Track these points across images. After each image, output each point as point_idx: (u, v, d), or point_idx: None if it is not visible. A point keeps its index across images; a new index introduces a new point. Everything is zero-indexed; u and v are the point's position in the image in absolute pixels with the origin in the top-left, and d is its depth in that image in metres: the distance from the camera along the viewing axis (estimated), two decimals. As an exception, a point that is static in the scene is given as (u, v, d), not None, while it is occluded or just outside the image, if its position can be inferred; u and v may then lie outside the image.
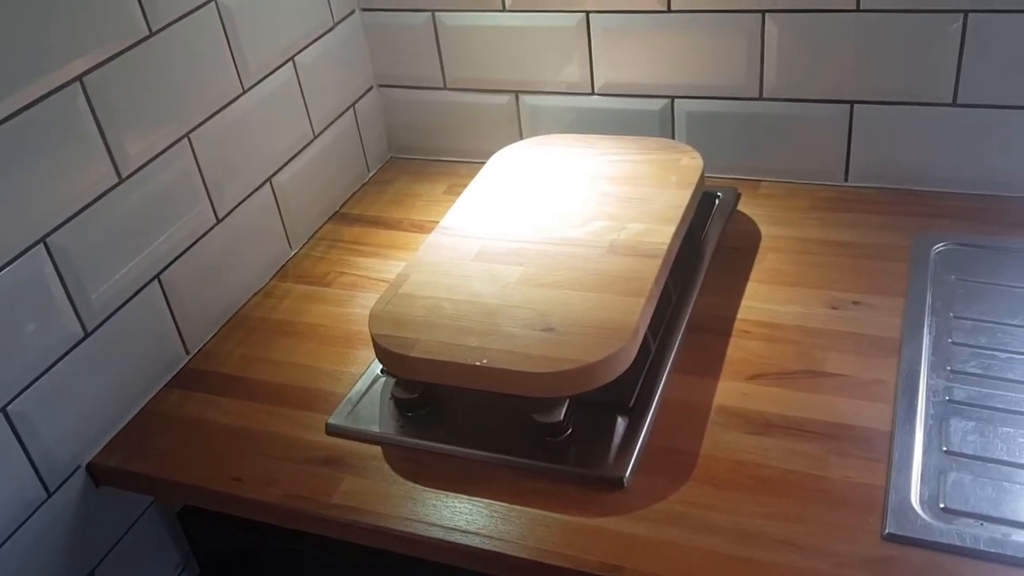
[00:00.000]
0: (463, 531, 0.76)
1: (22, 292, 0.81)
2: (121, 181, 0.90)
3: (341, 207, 1.25)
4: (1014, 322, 0.91)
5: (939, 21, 1.02)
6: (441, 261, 0.95)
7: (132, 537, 0.96)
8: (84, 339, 0.88)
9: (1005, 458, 0.78)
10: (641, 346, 0.84)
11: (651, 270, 0.89)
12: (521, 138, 1.25)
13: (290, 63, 1.12)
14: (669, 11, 1.11)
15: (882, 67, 1.07)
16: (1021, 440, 0.79)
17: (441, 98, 1.28)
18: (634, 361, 0.83)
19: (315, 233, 1.20)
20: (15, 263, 0.80)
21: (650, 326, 0.87)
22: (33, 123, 0.80)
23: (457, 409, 0.88)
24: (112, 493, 0.91)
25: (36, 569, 0.86)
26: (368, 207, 1.25)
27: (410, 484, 0.82)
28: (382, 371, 0.93)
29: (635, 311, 0.84)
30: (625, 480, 0.78)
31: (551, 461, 0.81)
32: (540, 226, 0.98)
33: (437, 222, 1.04)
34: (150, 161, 0.93)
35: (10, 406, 0.81)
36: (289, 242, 1.16)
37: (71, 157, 0.84)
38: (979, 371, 0.86)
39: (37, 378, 0.83)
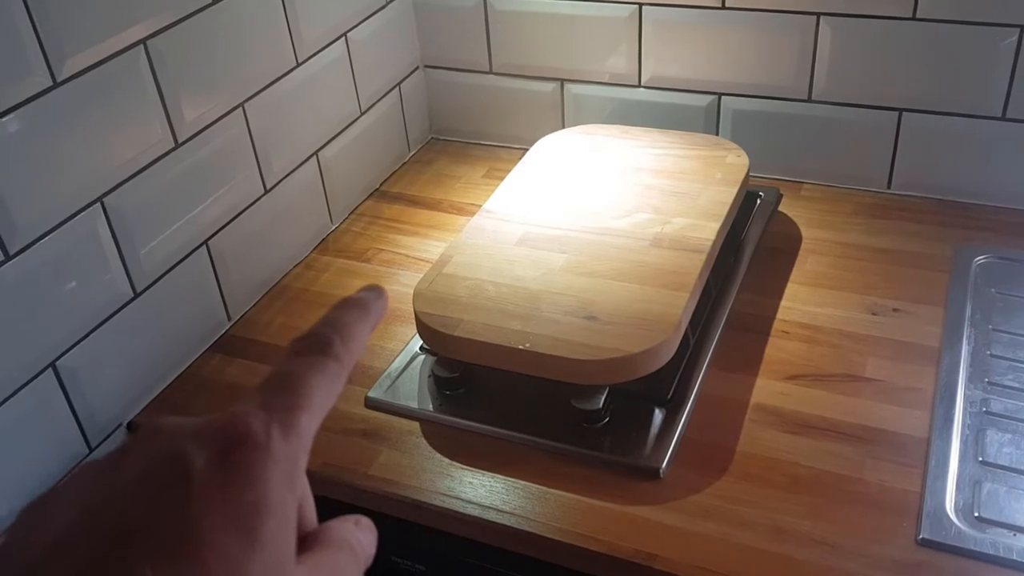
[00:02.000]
0: (499, 510, 0.77)
1: (77, 250, 0.82)
2: (177, 146, 0.91)
3: (381, 185, 1.26)
4: (1053, 338, 0.91)
5: (994, 34, 1.02)
6: (484, 244, 0.95)
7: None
8: (133, 300, 0.89)
9: (1040, 472, 0.78)
10: (681, 340, 0.85)
11: (695, 265, 0.90)
12: (563, 127, 1.26)
13: (342, 39, 1.13)
14: (723, 8, 1.11)
15: (933, 77, 1.07)
16: (1057, 455, 0.80)
17: (486, 82, 1.29)
18: (674, 354, 0.83)
19: (356, 209, 1.21)
20: (73, 220, 0.81)
21: (690, 321, 0.88)
22: (97, 84, 0.81)
23: (495, 390, 0.89)
24: (149, 453, 0.93)
25: (73, 522, 0.87)
26: (408, 186, 1.26)
27: (447, 460, 0.83)
28: (422, 348, 0.94)
29: (678, 305, 0.85)
30: (661, 471, 0.79)
31: (588, 447, 0.82)
32: (583, 215, 0.99)
33: (476, 204, 1.04)
34: (206, 128, 0.94)
35: (59, 360, 0.82)
36: (331, 216, 1.17)
37: (132, 119, 0.85)
38: (1017, 384, 0.87)
39: (87, 335, 0.85)
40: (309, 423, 0.28)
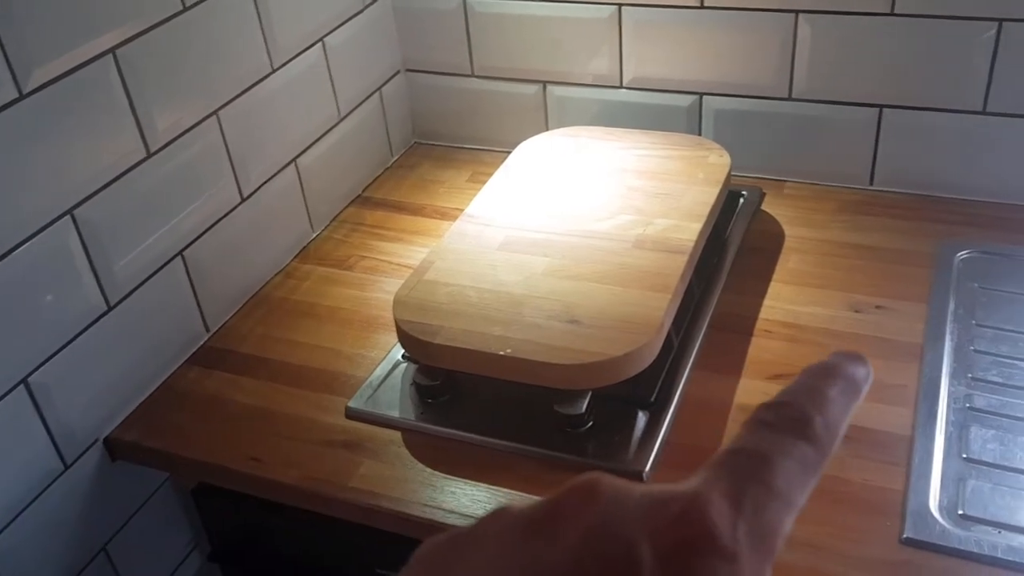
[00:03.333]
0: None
1: (48, 263, 0.81)
2: (149, 155, 0.90)
3: (364, 191, 1.25)
4: (1037, 332, 0.91)
5: (973, 28, 1.01)
6: (466, 249, 0.95)
7: (145, 513, 0.96)
8: (107, 313, 0.88)
9: (1025, 468, 0.78)
10: (664, 342, 0.84)
11: (677, 266, 0.89)
12: (547, 129, 1.25)
13: (319, 44, 1.12)
14: (702, 7, 1.11)
15: (913, 72, 1.06)
16: (1042, 451, 0.79)
17: (468, 85, 1.28)
18: (656, 356, 0.83)
19: (337, 216, 1.20)
20: (42, 234, 0.80)
21: (673, 322, 0.87)
22: (65, 94, 0.80)
23: (478, 397, 0.88)
24: (128, 468, 0.92)
25: (50, 541, 0.86)
26: (391, 192, 1.25)
27: (429, 470, 0.82)
28: (403, 356, 0.93)
29: (660, 307, 0.84)
30: (645, 474, 0.79)
31: (571, 452, 0.81)
32: (566, 218, 0.98)
33: (460, 209, 1.03)
34: (179, 136, 0.93)
35: (31, 377, 0.81)
36: (311, 224, 1.16)
37: (101, 130, 0.84)
38: (1000, 380, 0.86)
39: (59, 350, 0.83)
40: (784, 524, 0.22)
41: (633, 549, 0.21)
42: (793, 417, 0.24)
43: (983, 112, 1.06)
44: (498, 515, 0.23)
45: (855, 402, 0.26)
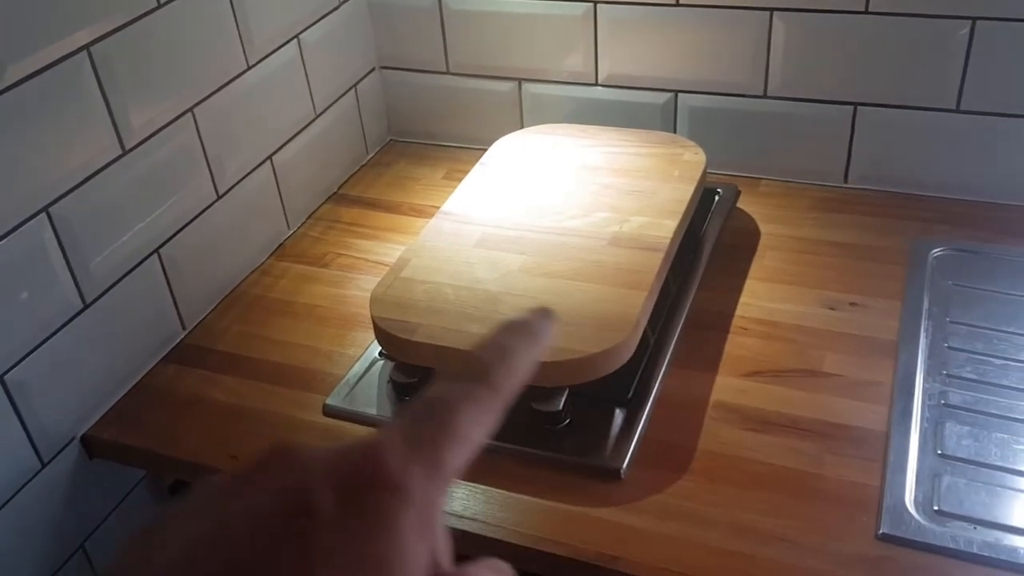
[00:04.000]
0: (460, 516, 0.76)
1: (23, 262, 0.80)
2: (125, 153, 0.89)
3: (339, 188, 1.25)
4: (1009, 329, 0.92)
5: (947, 27, 1.02)
6: (442, 246, 0.94)
7: (123, 511, 0.95)
8: (83, 311, 0.87)
9: (999, 463, 0.79)
10: (640, 339, 0.84)
11: (653, 264, 0.89)
12: (522, 126, 1.25)
13: (295, 41, 1.12)
14: (678, 5, 1.11)
15: (887, 70, 1.07)
16: (1015, 446, 0.80)
17: (443, 83, 1.28)
18: (633, 354, 0.83)
19: (313, 213, 1.20)
20: (17, 232, 0.79)
21: (649, 320, 0.88)
22: (38, 92, 0.79)
23: (455, 395, 0.88)
24: (105, 466, 0.91)
25: (27, 540, 0.85)
26: (367, 189, 1.25)
27: (407, 468, 0.82)
28: (381, 354, 0.93)
29: (636, 304, 0.84)
30: (622, 471, 0.79)
31: (549, 450, 0.81)
32: (542, 215, 0.98)
33: (436, 207, 1.03)
34: (154, 134, 0.92)
35: (7, 375, 0.80)
36: (287, 221, 1.15)
37: (76, 127, 0.84)
38: (974, 376, 0.87)
39: (35, 348, 0.83)
40: (455, 459, 0.25)
41: (313, 494, 0.22)
42: (475, 368, 0.27)
43: (957, 110, 1.07)
44: (197, 485, 0.25)
45: (534, 348, 0.29)
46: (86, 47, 0.83)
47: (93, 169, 0.86)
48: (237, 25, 1.01)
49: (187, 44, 0.95)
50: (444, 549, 0.26)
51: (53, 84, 0.80)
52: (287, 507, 0.23)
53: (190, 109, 0.97)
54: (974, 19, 1.01)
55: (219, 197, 1.03)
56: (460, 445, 0.25)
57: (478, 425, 0.26)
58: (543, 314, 0.31)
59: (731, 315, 0.96)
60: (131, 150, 0.90)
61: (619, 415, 0.84)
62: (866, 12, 1.04)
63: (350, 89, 1.25)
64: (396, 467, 0.23)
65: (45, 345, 0.83)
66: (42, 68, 0.79)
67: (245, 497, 0.23)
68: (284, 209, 1.14)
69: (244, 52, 1.03)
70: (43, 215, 0.81)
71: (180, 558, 0.23)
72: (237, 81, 1.03)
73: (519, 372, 0.28)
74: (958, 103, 1.06)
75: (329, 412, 0.88)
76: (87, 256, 0.86)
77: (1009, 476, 0.78)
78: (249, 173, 1.07)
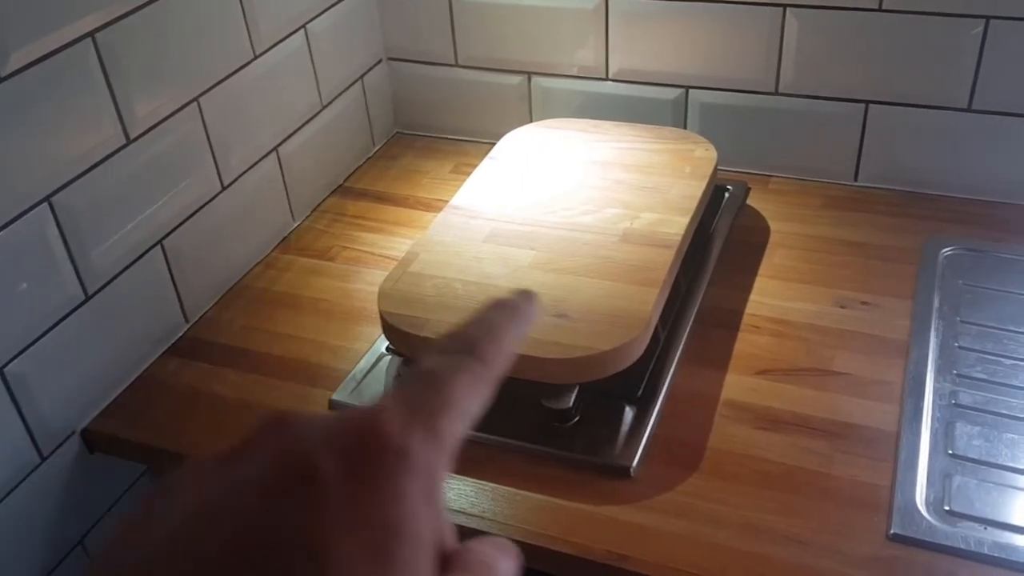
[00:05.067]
0: (468, 514, 0.76)
1: (24, 252, 0.79)
2: (129, 142, 0.88)
3: (345, 181, 1.24)
4: (1020, 329, 0.91)
5: (960, 25, 1.02)
6: (451, 241, 0.93)
7: (123, 506, 0.94)
8: (84, 302, 0.86)
9: (1009, 464, 0.78)
10: (651, 336, 0.83)
11: (664, 260, 0.88)
12: (531, 120, 1.24)
13: (302, 31, 1.10)
14: (690, 0, 1.10)
15: (899, 68, 1.06)
16: (1026, 447, 0.79)
17: (451, 75, 1.27)
18: (643, 351, 0.82)
19: (319, 206, 1.18)
20: (19, 221, 0.78)
21: (660, 317, 0.87)
22: (42, 79, 0.78)
23: (463, 391, 0.87)
24: (105, 460, 0.90)
25: (26, 535, 0.84)
26: (373, 182, 1.23)
27: (414, 464, 0.81)
28: (388, 349, 0.92)
29: (648, 301, 0.83)
30: (632, 469, 0.78)
31: (558, 447, 0.80)
32: (552, 211, 0.97)
33: (443, 200, 1.02)
34: (159, 123, 0.91)
35: (7, 367, 0.79)
36: (292, 214, 1.14)
37: (80, 116, 0.82)
38: (985, 376, 0.87)
39: (36, 340, 0.81)
40: (453, 427, 0.25)
41: (312, 456, 0.22)
42: (465, 341, 0.28)
43: (969, 110, 1.06)
44: (192, 462, 0.25)
45: (519, 329, 0.30)
46: (91, 34, 0.82)
47: (96, 158, 0.85)
48: (244, 14, 1.00)
49: (193, 32, 0.94)
50: (447, 524, 0.26)
51: (57, 71, 0.79)
52: (292, 474, 0.22)
53: (195, 99, 0.95)
54: (988, 18, 1.00)
55: (224, 188, 1.02)
56: (457, 414, 0.25)
57: (472, 396, 0.26)
58: (527, 296, 0.31)
59: (741, 313, 0.95)
60: (135, 139, 0.88)
61: (629, 412, 0.83)
62: (879, 10, 1.03)
63: (357, 80, 1.24)
64: (397, 432, 0.23)
65: (46, 337, 0.82)
66: (46, 55, 0.78)
67: (245, 465, 0.23)
68: (289, 201, 1.13)
69: (251, 41, 1.02)
70: (45, 204, 0.80)
71: (182, 528, 0.22)
72: (243, 71, 1.02)
73: (506, 347, 0.28)
74: (970, 102, 1.05)
75: (335, 407, 0.87)
76: (89, 247, 0.85)
77: (1020, 477, 0.77)
78: (254, 164, 1.06)
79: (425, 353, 0.27)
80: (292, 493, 0.22)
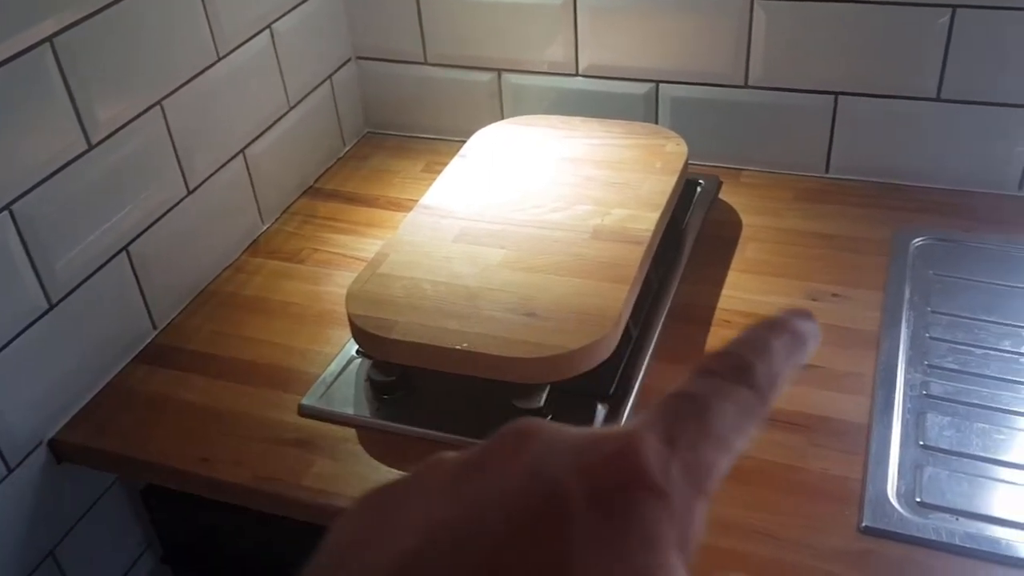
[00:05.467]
0: (439, 517, 0.75)
1: (-16, 261, 0.78)
2: (90, 148, 0.87)
3: (315, 182, 1.23)
4: (990, 318, 0.91)
5: (927, 15, 1.02)
6: (421, 241, 0.93)
7: (93, 516, 0.93)
8: (48, 311, 0.85)
9: (980, 453, 0.78)
10: (622, 333, 0.83)
11: (635, 257, 0.88)
12: (502, 117, 1.23)
13: (267, 31, 1.09)
14: (657, -7, 1.10)
15: (868, 59, 1.06)
16: (996, 436, 0.80)
17: (421, 73, 1.26)
18: (615, 348, 0.82)
19: (288, 208, 1.17)
20: (-22, 230, 0.77)
21: (631, 313, 0.86)
22: (1, 85, 0.76)
23: (434, 393, 0.86)
24: (74, 470, 0.89)
25: (-6, 547, 0.83)
26: (343, 183, 1.22)
27: (384, 468, 0.80)
28: (358, 352, 0.91)
29: (618, 298, 0.83)
30: (604, 468, 0.78)
31: (529, 447, 0.80)
32: (522, 208, 0.96)
33: (415, 200, 1.01)
34: (121, 128, 0.90)
35: (-30, 379, 0.78)
36: (261, 216, 1.13)
37: (39, 122, 0.81)
38: (956, 366, 0.87)
39: (-1, 350, 0.80)
40: (718, 464, 0.22)
41: (562, 485, 0.20)
42: (735, 365, 0.25)
43: (937, 99, 1.06)
44: (433, 462, 0.23)
45: (799, 354, 0.26)
46: (49, 38, 0.80)
47: (57, 165, 0.83)
48: (207, 15, 0.99)
49: (154, 35, 0.92)
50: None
51: (14, 77, 0.78)
52: (538, 500, 0.20)
53: (158, 102, 0.94)
54: (954, 7, 1.00)
55: (189, 192, 1.00)
56: (721, 451, 0.23)
57: (739, 431, 0.23)
58: (805, 315, 0.27)
59: (714, 307, 0.94)
60: (97, 145, 0.87)
61: (601, 410, 0.83)
62: (846, 0, 1.03)
63: (325, 80, 1.23)
64: (656, 468, 0.21)
65: (9, 347, 0.81)
66: (3, 60, 0.76)
67: (489, 479, 0.21)
68: (258, 204, 1.12)
69: (214, 42, 1.01)
70: (5, 213, 0.79)
71: (425, 545, 0.20)
72: (207, 72, 1.00)
73: (783, 376, 0.25)
74: (939, 91, 1.06)
75: (305, 412, 0.86)
76: (52, 255, 0.84)
77: (991, 466, 0.77)
78: (221, 167, 1.05)
79: (692, 374, 0.25)
80: (541, 522, 0.20)
